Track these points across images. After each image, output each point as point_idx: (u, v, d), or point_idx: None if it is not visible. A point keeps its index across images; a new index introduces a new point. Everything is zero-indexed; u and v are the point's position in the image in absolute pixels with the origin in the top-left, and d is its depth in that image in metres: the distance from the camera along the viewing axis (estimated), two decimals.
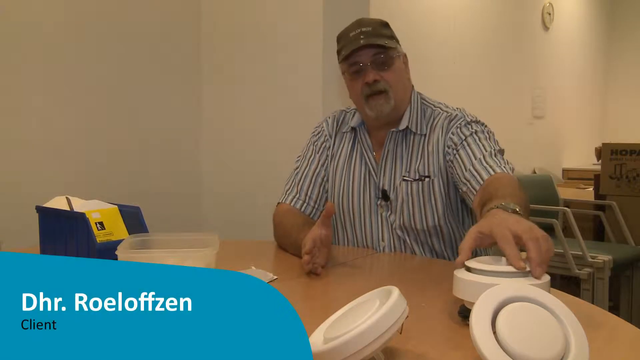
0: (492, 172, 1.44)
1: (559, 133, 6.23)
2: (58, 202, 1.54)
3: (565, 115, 6.33)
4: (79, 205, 1.51)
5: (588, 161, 6.27)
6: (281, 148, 2.69)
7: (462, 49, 4.68)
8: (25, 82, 2.30)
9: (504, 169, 1.45)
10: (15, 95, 2.27)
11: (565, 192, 4.30)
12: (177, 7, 2.83)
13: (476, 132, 1.55)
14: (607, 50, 7.30)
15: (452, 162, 1.55)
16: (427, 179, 1.58)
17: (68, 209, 1.50)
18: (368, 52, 1.56)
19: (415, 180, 1.59)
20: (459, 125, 1.57)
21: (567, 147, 6.41)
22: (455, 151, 1.55)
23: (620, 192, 3.74)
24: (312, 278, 1.36)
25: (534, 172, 5.45)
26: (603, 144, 3.97)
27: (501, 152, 1.54)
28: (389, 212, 1.62)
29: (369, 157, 1.66)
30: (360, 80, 1.58)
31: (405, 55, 1.65)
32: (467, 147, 1.53)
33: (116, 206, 1.51)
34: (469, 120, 1.59)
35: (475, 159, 1.49)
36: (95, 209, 1.46)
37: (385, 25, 1.62)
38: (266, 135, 2.76)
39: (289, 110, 2.68)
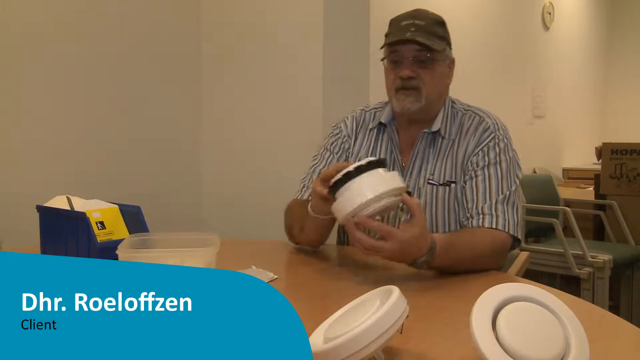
0: (493, 226, 1.44)
1: (559, 132, 6.23)
2: (59, 202, 1.54)
3: (565, 114, 6.33)
4: (80, 204, 1.51)
5: (588, 161, 6.26)
6: (281, 147, 2.69)
7: (462, 48, 4.66)
8: (25, 82, 2.29)
9: (505, 225, 1.45)
10: (15, 95, 2.27)
11: (566, 192, 4.30)
12: (177, 8, 2.83)
13: (500, 162, 1.51)
14: (608, 49, 7.30)
15: (465, 182, 1.52)
16: (453, 185, 1.53)
17: (69, 208, 1.50)
18: (412, 47, 1.50)
19: (441, 184, 1.54)
20: (487, 145, 1.53)
21: (568, 146, 6.41)
22: (474, 173, 1.51)
23: (621, 191, 3.74)
24: (312, 277, 1.36)
25: (534, 172, 5.45)
26: (603, 143, 3.98)
27: (513, 195, 1.50)
28: (410, 215, 1.58)
29: (397, 157, 1.61)
30: (397, 72, 1.53)
31: (453, 61, 1.60)
32: (487, 180, 1.49)
33: (117, 206, 1.51)
34: (498, 139, 1.54)
35: (489, 200, 1.47)
36: (95, 208, 1.46)
37: (441, 23, 1.56)
38: (266, 135, 2.76)
39: (289, 109, 2.68)
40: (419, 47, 1.49)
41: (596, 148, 5.48)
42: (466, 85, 4.60)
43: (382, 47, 1.56)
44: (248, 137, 2.82)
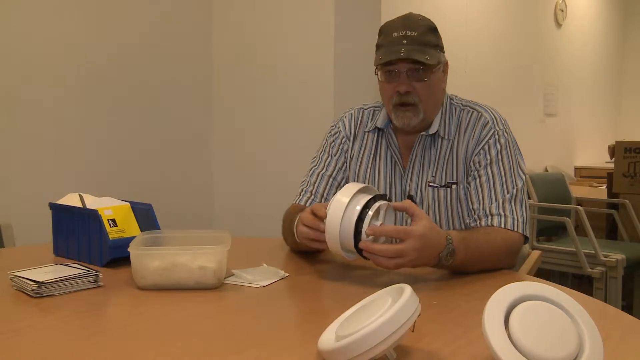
0: (503, 225, 1.43)
1: (571, 131, 6.20)
2: (71, 199, 1.55)
3: (577, 112, 6.29)
4: (92, 202, 1.51)
5: (601, 159, 6.22)
6: (292, 147, 2.69)
7: (474, 46, 4.65)
8: (41, 84, 2.31)
9: (514, 224, 1.43)
10: (30, 95, 2.28)
11: (578, 191, 4.27)
12: (189, 12, 2.84)
13: (502, 159, 1.49)
14: (621, 46, 7.24)
15: (469, 183, 1.51)
16: (454, 186, 1.52)
17: (81, 205, 1.51)
18: (406, 64, 1.48)
19: (442, 186, 1.53)
20: (488, 143, 1.51)
21: (580, 145, 6.37)
22: (477, 173, 1.50)
23: (634, 190, 3.71)
24: (323, 275, 1.36)
25: (546, 170, 5.42)
26: (616, 141, 3.94)
27: (520, 192, 1.48)
28: (411, 216, 1.56)
29: (398, 160, 1.59)
30: (393, 86, 1.51)
31: (446, 64, 1.57)
32: (491, 180, 1.48)
33: (128, 203, 1.51)
34: (498, 135, 1.51)
35: (495, 200, 1.45)
36: (107, 205, 1.47)
37: (433, 30, 1.52)
38: (277, 135, 2.77)
39: (300, 110, 2.69)
40: (413, 63, 1.48)
41: (609, 146, 5.43)
42: (478, 83, 4.59)
43: (375, 65, 1.53)
44: (259, 136, 2.83)
